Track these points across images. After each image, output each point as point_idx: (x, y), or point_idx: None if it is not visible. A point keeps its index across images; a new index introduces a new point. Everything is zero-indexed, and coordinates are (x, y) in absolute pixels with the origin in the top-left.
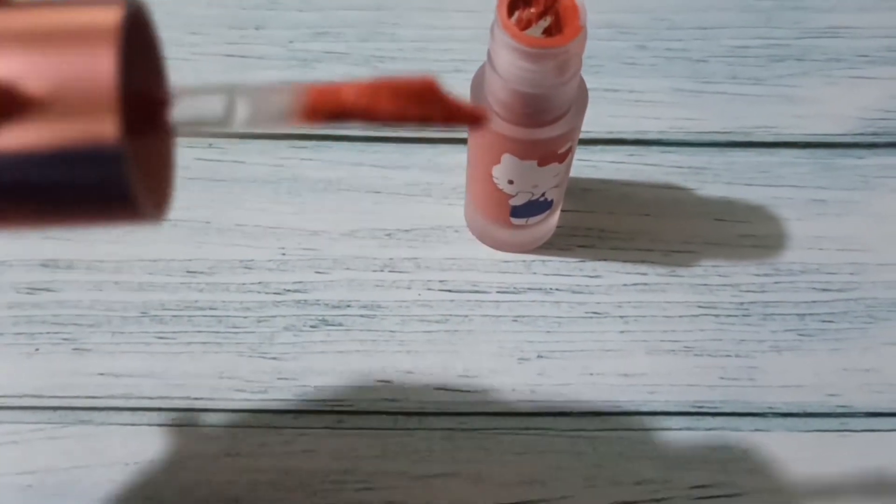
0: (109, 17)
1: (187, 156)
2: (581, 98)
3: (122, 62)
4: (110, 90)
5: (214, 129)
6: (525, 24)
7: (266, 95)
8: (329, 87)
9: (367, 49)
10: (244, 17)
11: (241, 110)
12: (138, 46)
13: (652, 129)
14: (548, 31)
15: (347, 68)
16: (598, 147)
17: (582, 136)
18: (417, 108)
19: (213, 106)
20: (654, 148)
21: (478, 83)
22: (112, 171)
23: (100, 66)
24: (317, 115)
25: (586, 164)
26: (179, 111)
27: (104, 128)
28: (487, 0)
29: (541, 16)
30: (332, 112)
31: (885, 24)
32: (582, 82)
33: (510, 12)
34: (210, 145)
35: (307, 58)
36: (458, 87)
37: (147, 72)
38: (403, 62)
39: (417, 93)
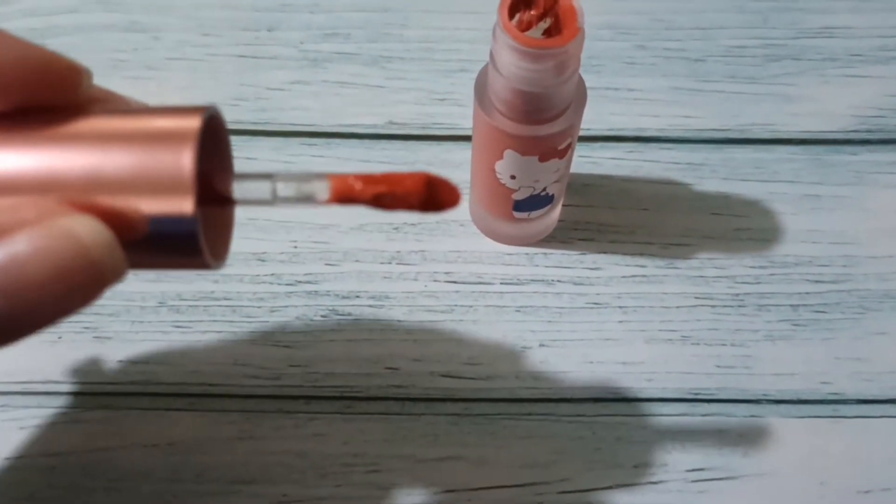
0: (193, 123)
1: None
2: (580, 96)
3: (198, 157)
4: (190, 178)
5: (262, 205)
6: (526, 26)
7: (302, 182)
8: (345, 178)
9: (375, 49)
10: (256, 19)
11: (284, 192)
12: (212, 141)
13: (651, 126)
14: (548, 33)
15: (357, 68)
16: (599, 144)
17: (582, 132)
18: (407, 202)
19: (263, 188)
20: (653, 145)
21: (481, 82)
22: (187, 235)
23: (183, 161)
24: (338, 200)
25: (587, 161)
26: (238, 191)
27: (184, 205)
28: (491, 2)
29: (541, 18)
30: (348, 199)
31: (879, 25)
32: (581, 81)
33: (511, 14)
34: None
35: (318, 58)
36: (464, 86)
37: (218, 158)
38: (411, 62)
39: (410, 187)
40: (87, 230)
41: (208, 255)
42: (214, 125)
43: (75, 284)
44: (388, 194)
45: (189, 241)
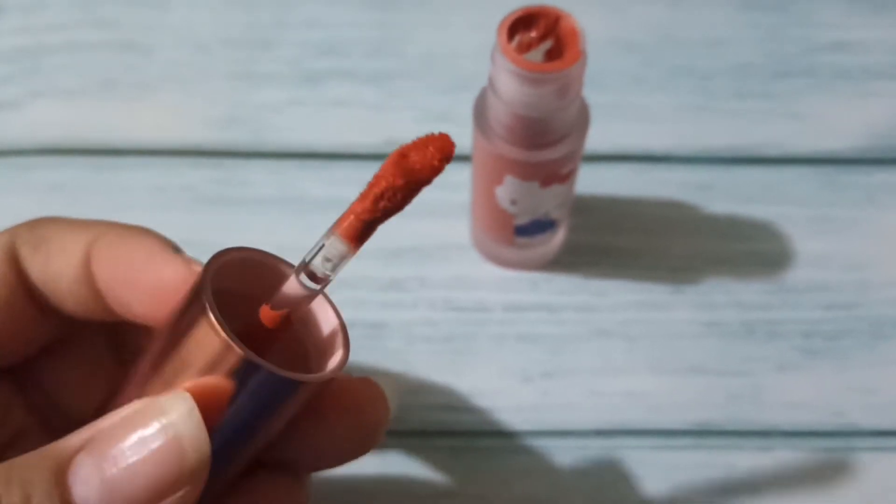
0: (208, 325)
1: (193, 177)
2: (582, 120)
3: (221, 323)
4: (220, 330)
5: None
6: (525, 48)
7: (323, 250)
8: (348, 218)
9: (373, 66)
10: (252, 36)
11: (321, 269)
12: (247, 274)
13: (658, 145)
14: (548, 55)
15: (354, 86)
16: (604, 164)
17: (587, 152)
18: (397, 176)
19: (305, 284)
20: (660, 164)
21: (480, 105)
22: (260, 375)
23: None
24: (358, 240)
25: (592, 181)
26: (286, 301)
27: (233, 357)
28: (493, 17)
29: (541, 39)
30: (364, 233)
31: (892, 40)
32: (583, 104)
33: (511, 36)
34: (217, 166)
35: (314, 76)
36: (464, 104)
37: (261, 279)
38: (409, 79)
39: (392, 166)
40: (175, 411)
41: (307, 372)
42: (237, 265)
43: (165, 469)
44: (379, 200)
45: (269, 379)
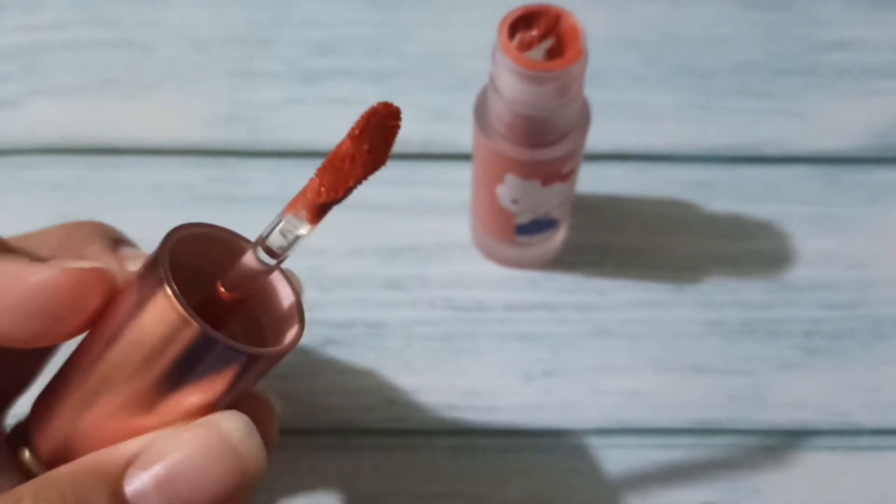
0: (163, 296)
1: (193, 175)
2: (583, 119)
3: (179, 298)
4: (178, 306)
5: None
6: (526, 46)
7: (281, 224)
8: (306, 192)
9: (373, 65)
10: (251, 35)
11: (276, 243)
12: (203, 249)
13: (659, 143)
14: (549, 53)
15: (354, 84)
16: (605, 162)
17: (588, 151)
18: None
19: (261, 256)
20: (661, 163)
21: (480, 104)
22: (216, 348)
23: (169, 302)
24: (318, 214)
25: (593, 180)
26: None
27: (190, 331)
28: (493, 15)
29: (542, 38)
30: (323, 206)
31: (894, 39)
32: (584, 103)
33: (512, 35)
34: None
35: (313, 74)
36: (465, 103)
37: (224, 252)
38: (410, 77)
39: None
40: (229, 422)
41: (264, 346)
42: (192, 241)
43: (225, 479)
44: (340, 168)
45: (224, 351)
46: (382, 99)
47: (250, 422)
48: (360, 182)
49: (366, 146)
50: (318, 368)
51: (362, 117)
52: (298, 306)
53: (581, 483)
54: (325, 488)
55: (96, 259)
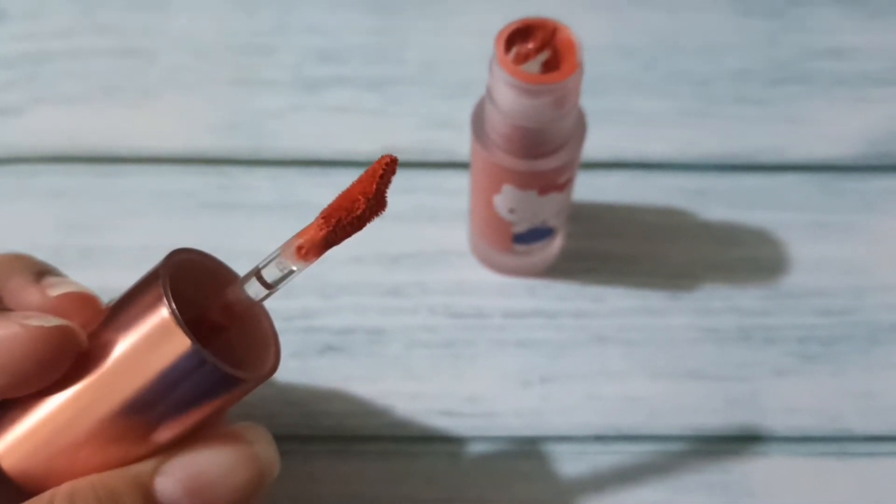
0: (162, 312)
1: (195, 183)
2: (579, 129)
3: (177, 316)
4: (174, 324)
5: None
6: (523, 59)
7: (279, 259)
8: (307, 232)
9: (373, 73)
10: (253, 43)
11: (270, 277)
12: (195, 278)
13: (655, 151)
14: (546, 65)
15: (354, 92)
16: (602, 170)
17: (585, 159)
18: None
19: (255, 287)
20: (657, 171)
21: (478, 115)
22: (205, 367)
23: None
24: (313, 255)
25: (590, 188)
26: (242, 298)
27: (181, 345)
28: (492, 23)
29: (538, 50)
30: (321, 248)
31: (889, 46)
32: (580, 114)
33: (508, 47)
34: (219, 173)
35: (314, 82)
36: (464, 111)
37: (212, 284)
38: (409, 85)
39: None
40: (252, 433)
41: (245, 371)
42: (186, 267)
43: (246, 484)
44: (347, 218)
45: (208, 371)
46: (382, 106)
47: (268, 432)
48: (360, 229)
49: (374, 199)
50: (318, 375)
51: (376, 174)
52: (275, 340)
53: (578, 489)
54: (326, 495)
55: (18, 293)
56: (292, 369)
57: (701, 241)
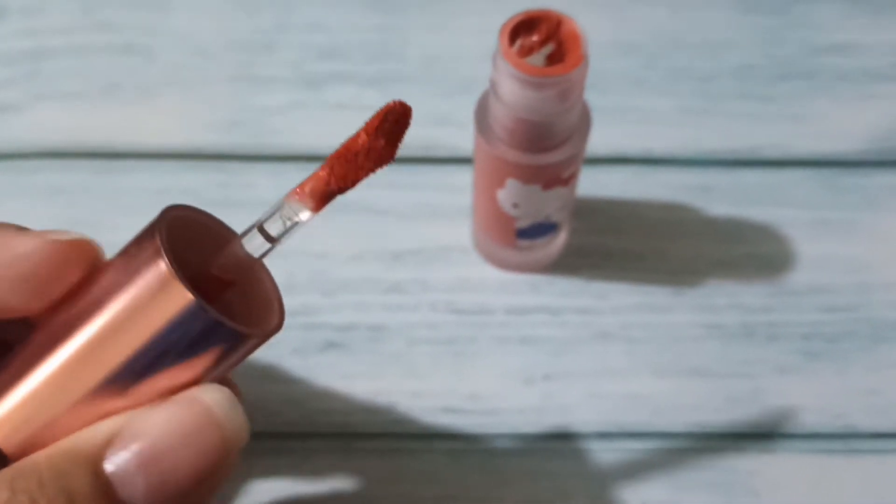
0: (160, 265)
1: (196, 180)
2: (584, 123)
3: (176, 269)
4: (172, 276)
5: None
6: (527, 52)
7: (283, 209)
8: (314, 178)
9: (374, 69)
10: (254, 39)
11: (274, 230)
12: (191, 234)
13: (659, 147)
14: (550, 58)
15: (356, 89)
16: (605, 166)
17: (589, 155)
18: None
19: (256, 240)
20: (661, 167)
21: (481, 109)
22: (207, 322)
23: (161, 271)
24: (321, 201)
25: (593, 184)
26: (243, 252)
27: (181, 298)
28: (494, 20)
29: (543, 43)
30: (329, 194)
31: (893, 42)
32: (585, 107)
33: (512, 40)
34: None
35: (315, 79)
36: (466, 107)
37: (209, 240)
38: (411, 82)
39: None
40: (210, 395)
41: (249, 327)
42: (182, 224)
43: (208, 452)
44: (352, 160)
45: (212, 326)
46: (384, 103)
47: (232, 394)
48: (368, 176)
49: (381, 142)
50: (319, 372)
51: (379, 113)
52: (277, 295)
53: (581, 486)
54: (327, 492)
55: (13, 238)
56: (293, 366)
57: (704, 238)
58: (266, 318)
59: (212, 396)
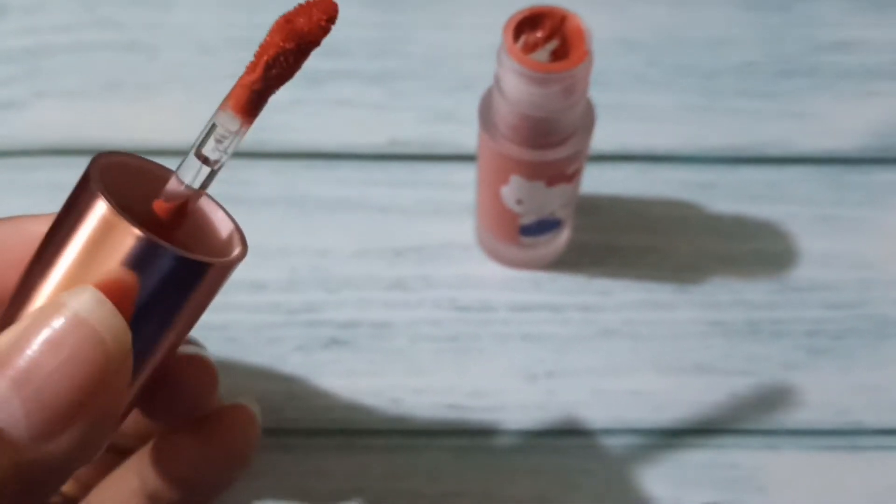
0: (99, 207)
1: None
2: (588, 120)
3: (117, 207)
4: (112, 213)
5: (213, 176)
6: (531, 48)
7: (215, 130)
8: (235, 90)
9: (377, 66)
10: (255, 37)
11: (211, 153)
12: (127, 175)
13: (662, 144)
14: (555, 54)
15: (358, 86)
16: (608, 163)
17: (592, 152)
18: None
19: (193, 164)
20: (664, 164)
21: (485, 105)
22: (161, 257)
23: (99, 207)
24: (247, 112)
25: (596, 181)
26: (177, 183)
27: (129, 236)
28: (497, 17)
29: (547, 39)
30: (253, 102)
31: (895, 39)
32: (589, 104)
33: (517, 36)
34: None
35: (316, 76)
36: (469, 104)
37: (147, 182)
38: (413, 79)
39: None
40: (76, 298)
41: (210, 258)
42: (117, 170)
43: (85, 361)
44: (270, 68)
45: (170, 261)
46: (385, 100)
47: (99, 292)
48: (294, 64)
49: (294, 15)
50: (322, 369)
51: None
52: (237, 229)
53: (585, 483)
54: (330, 489)
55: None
56: (296, 363)
57: (707, 235)
58: (227, 248)
59: (78, 300)
